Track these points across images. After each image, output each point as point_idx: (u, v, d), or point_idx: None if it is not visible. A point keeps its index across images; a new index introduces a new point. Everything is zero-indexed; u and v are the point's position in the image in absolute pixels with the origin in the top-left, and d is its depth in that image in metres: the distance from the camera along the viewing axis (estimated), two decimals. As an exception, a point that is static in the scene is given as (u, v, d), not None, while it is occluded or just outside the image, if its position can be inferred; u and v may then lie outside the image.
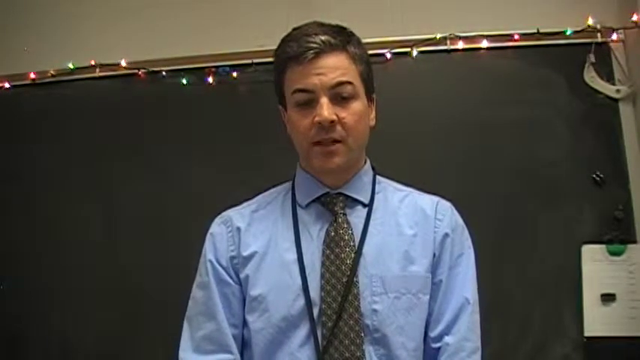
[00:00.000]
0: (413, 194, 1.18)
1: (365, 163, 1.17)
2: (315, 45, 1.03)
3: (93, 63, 2.06)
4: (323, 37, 1.04)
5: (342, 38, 1.06)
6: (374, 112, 1.15)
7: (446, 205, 1.16)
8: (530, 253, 1.82)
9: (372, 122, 1.14)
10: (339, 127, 1.04)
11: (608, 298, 1.77)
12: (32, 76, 2.09)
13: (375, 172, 1.19)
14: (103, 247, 1.97)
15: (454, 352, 1.06)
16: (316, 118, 1.03)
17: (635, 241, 1.80)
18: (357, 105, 1.07)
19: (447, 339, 1.07)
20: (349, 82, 1.05)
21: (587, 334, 1.76)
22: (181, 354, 1.08)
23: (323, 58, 1.04)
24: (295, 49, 1.04)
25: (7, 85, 2.10)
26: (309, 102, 1.05)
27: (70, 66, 2.07)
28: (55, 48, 2.11)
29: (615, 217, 1.81)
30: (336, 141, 1.05)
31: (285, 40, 1.08)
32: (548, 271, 1.81)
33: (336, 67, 1.04)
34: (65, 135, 2.05)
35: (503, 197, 1.85)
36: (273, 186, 1.22)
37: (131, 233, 1.97)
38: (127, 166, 2.01)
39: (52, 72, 2.08)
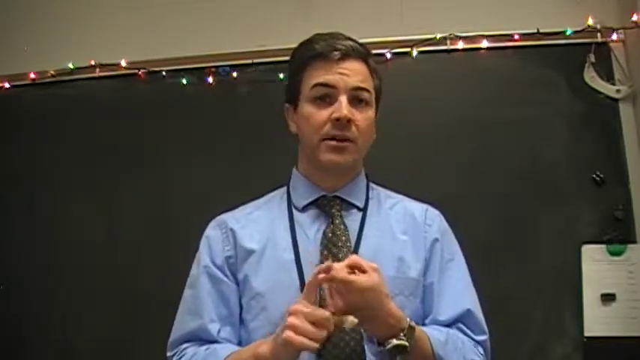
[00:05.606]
0: (403, 201, 1.21)
1: (361, 170, 1.20)
2: (343, 47, 1.09)
3: (93, 63, 2.06)
4: (350, 43, 1.10)
5: (365, 50, 1.13)
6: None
7: (434, 213, 1.19)
8: (530, 253, 1.82)
9: (374, 135, 1.18)
10: (353, 128, 1.08)
11: (608, 298, 1.77)
12: (32, 76, 2.09)
13: (368, 180, 1.22)
14: (103, 247, 1.97)
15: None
16: (335, 114, 1.06)
17: (635, 241, 1.80)
18: (371, 112, 1.12)
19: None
20: (367, 90, 1.11)
21: (587, 334, 1.76)
22: (168, 353, 1.10)
23: (348, 61, 1.09)
24: (323, 47, 1.09)
25: (7, 85, 2.11)
26: (327, 97, 1.08)
27: (70, 66, 2.07)
28: (55, 48, 2.11)
29: (615, 217, 1.81)
30: (347, 140, 1.08)
31: (309, 41, 1.13)
32: (548, 271, 1.80)
33: (359, 72, 1.10)
34: (65, 135, 2.05)
35: (503, 197, 1.85)
36: (270, 191, 1.22)
37: (131, 233, 1.96)
38: (127, 166, 2.01)
39: (52, 72, 2.08)
